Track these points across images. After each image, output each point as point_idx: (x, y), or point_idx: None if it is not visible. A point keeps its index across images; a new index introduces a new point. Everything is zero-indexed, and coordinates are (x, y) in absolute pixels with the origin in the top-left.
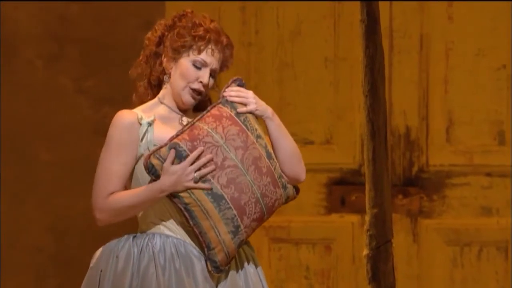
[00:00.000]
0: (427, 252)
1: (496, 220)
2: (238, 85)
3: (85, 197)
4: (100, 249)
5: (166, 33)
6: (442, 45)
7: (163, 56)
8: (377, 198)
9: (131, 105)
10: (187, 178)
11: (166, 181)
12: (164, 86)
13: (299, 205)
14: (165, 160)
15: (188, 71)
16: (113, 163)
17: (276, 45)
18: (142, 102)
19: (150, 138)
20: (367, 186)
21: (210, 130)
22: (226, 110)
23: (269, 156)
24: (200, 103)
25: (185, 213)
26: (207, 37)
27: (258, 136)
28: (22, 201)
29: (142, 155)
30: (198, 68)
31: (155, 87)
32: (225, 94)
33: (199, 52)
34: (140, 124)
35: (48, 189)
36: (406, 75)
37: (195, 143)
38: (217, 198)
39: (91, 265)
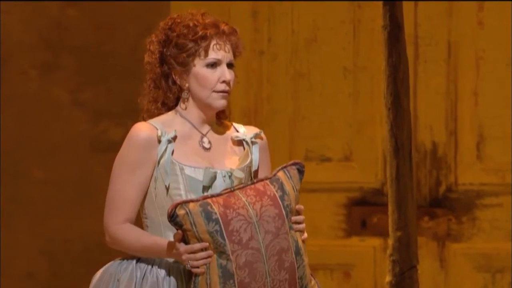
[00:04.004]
0: (455, 279)
1: None
2: (298, 170)
3: (81, 219)
4: (101, 271)
5: (164, 50)
6: (472, 53)
7: (173, 74)
8: (401, 220)
9: (134, 120)
10: (183, 261)
11: (171, 250)
12: (185, 104)
13: (314, 227)
14: (190, 214)
15: (206, 78)
16: (128, 185)
17: (290, 53)
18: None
19: (168, 157)
20: (390, 207)
21: (247, 203)
22: (271, 189)
23: (297, 252)
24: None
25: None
26: (207, 34)
27: (292, 228)
28: (13, 223)
29: (157, 175)
30: (214, 68)
31: (172, 106)
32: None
33: (206, 53)
34: (159, 142)
35: (41, 210)
36: (432, 86)
37: (228, 211)
38: (226, 275)
39: (90, 287)
